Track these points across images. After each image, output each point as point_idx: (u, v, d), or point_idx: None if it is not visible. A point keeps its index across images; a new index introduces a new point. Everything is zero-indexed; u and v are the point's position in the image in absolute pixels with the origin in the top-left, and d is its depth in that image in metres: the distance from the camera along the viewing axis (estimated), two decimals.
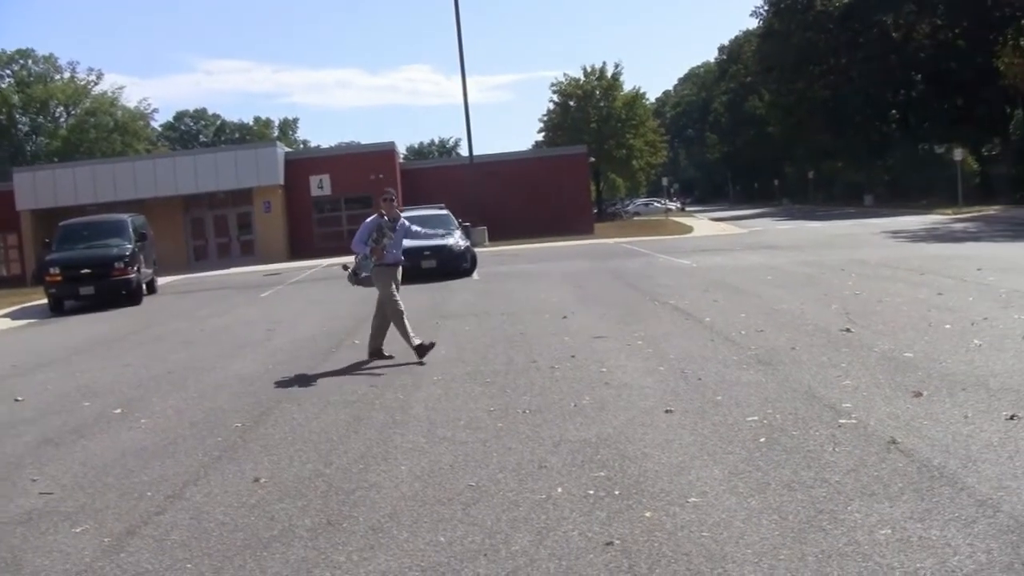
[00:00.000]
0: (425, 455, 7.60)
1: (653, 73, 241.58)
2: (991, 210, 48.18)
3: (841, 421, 7.71)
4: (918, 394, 8.47)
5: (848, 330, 12.20)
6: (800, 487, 6.15)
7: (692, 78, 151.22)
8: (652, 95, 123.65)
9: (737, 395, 8.94)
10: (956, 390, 8.55)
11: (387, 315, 12.79)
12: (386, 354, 12.73)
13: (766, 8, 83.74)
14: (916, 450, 6.77)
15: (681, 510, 5.88)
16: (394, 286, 12.82)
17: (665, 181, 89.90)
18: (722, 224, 56.31)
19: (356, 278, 13.06)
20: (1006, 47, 51.96)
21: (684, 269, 24.45)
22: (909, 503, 5.72)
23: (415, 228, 13.64)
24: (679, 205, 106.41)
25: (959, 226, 38.89)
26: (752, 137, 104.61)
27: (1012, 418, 7.43)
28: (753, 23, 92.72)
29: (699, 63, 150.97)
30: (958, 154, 52.63)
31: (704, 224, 58.70)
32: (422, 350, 12.32)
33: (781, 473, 6.47)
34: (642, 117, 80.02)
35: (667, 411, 8.47)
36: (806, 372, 9.79)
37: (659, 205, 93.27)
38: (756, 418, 7.98)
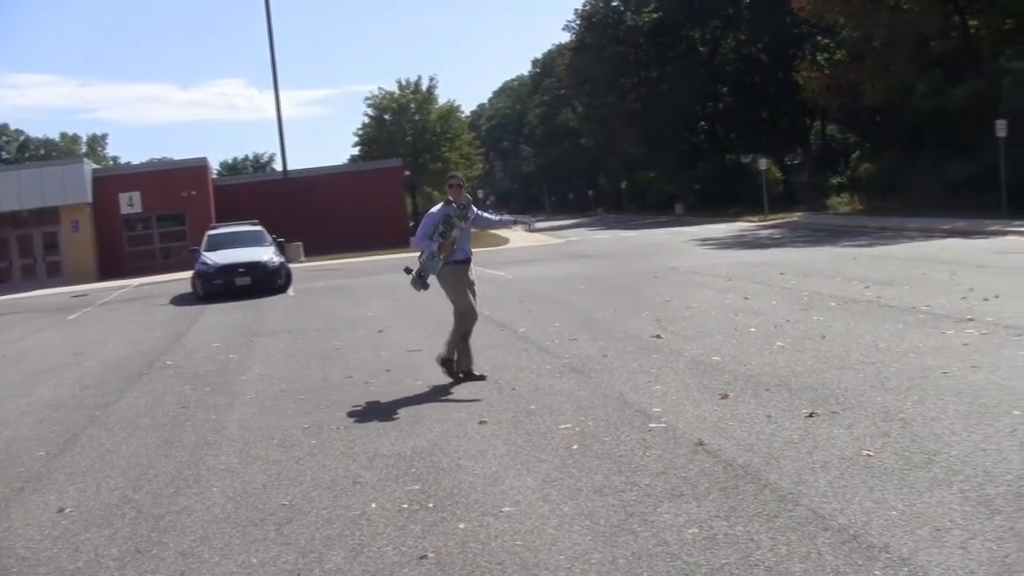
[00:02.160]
0: (238, 476, 7.47)
1: (468, 87, 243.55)
2: (794, 217, 49.95)
3: (651, 425, 7.89)
4: (724, 396, 8.75)
5: (659, 336, 12.49)
6: (611, 491, 6.27)
7: (507, 91, 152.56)
8: (467, 108, 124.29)
9: (550, 403, 9.06)
10: (760, 391, 8.86)
11: (459, 320, 10.83)
12: (477, 374, 10.83)
13: (578, 22, 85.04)
14: (722, 450, 6.99)
15: (495, 520, 5.93)
16: (467, 288, 10.83)
17: (481, 193, 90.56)
18: (538, 235, 56.93)
19: (422, 282, 10.84)
20: (804, 62, 54.08)
21: (500, 280, 24.63)
22: (715, 502, 5.91)
23: (486, 214, 11.61)
24: None
25: (765, 233, 40.23)
26: (566, 148, 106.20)
27: (811, 415, 7.74)
28: (566, 37, 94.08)
29: (513, 76, 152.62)
30: (763, 164, 54.58)
31: (520, 235, 59.22)
32: (470, 375, 10.79)
33: (593, 479, 6.58)
34: (457, 130, 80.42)
35: (481, 422, 8.52)
36: (618, 379, 9.98)
37: None
38: (569, 425, 8.10)
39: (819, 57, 54.60)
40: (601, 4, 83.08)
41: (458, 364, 10.78)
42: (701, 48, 75.34)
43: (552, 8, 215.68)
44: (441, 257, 10.55)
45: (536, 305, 17.57)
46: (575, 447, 7.41)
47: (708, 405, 8.47)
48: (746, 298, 16.04)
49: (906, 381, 8.81)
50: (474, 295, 10.91)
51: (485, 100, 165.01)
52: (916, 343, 10.71)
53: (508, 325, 15.00)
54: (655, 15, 76.39)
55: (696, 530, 5.46)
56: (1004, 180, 32.94)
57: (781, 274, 19.78)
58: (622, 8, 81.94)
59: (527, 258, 34.34)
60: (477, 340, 13.61)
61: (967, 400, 7.92)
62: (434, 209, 10.91)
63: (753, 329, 12.58)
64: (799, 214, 51.73)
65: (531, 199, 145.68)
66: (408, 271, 10.97)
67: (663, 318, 14.21)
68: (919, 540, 5.08)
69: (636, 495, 6.16)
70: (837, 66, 50.04)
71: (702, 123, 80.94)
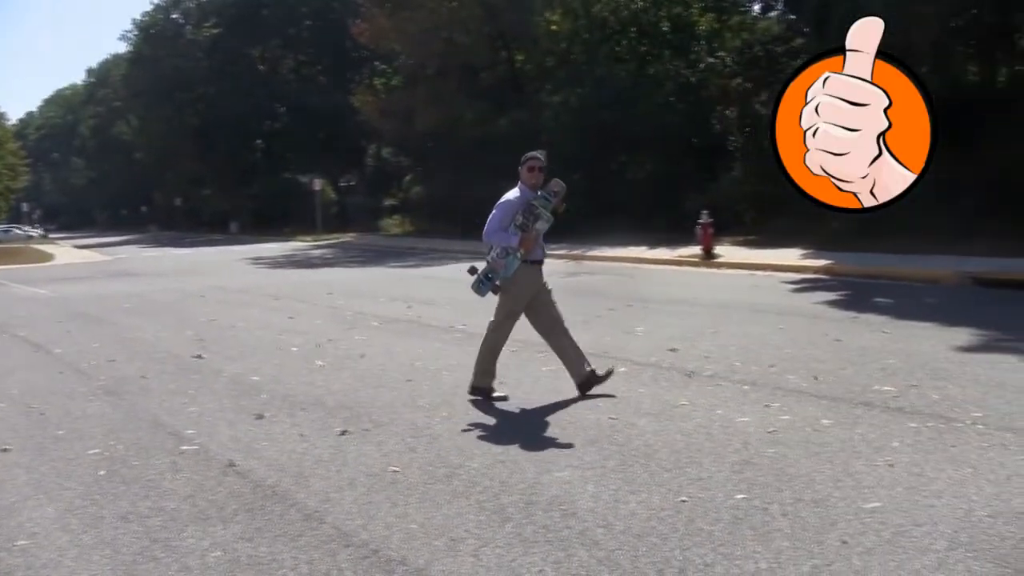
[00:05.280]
0: None
1: (16, 94, 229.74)
2: (347, 237, 50.87)
3: (183, 448, 7.78)
4: (260, 416, 8.76)
5: (200, 356, 12.32)
6: (136, 518, 6.13)
7: (58, 100, 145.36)
8: (14, 116, 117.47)
9: (81, 428, 8.71)
10: (296, 410, 8.96)
11: (493, 334, 9.25)
12: (600, 373, 9.02)
13: (135, 33, 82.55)
14: (253, 471, 7.01)
15: (8, 555, 5.65)
16: (539, 297, 9.10)
17: (26, 207, 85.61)
18: (86, 251, 54.47)
19: (490, 284, 8.99)
20: (362, 86, 55.20)
21: (40, 299, 23.35)
22: (242, 523, 5.92)
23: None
24: (42, 232, 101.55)
25: (317, 252, 40.66)
26: (120, 162, 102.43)
27: (343, 433, 7.93)
28: (123, 47, 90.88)
29: (66, 85, 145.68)
30: (317, 184, 55.26)
31: (68, 252, 56.39)
32: (478, 391, 9.13)
33: (118, 505, 6.41)
34: (1, 139, 75.91)
35: (3, 450, 8.06)
36: (154, 400, 9.75)
37: (20, 232, 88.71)
38: (98, 451, 7.83)
39: (376, 82, 55.88)
40: (160, 16, 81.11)
41: (573, 375, 9.06)
42: (260, 67, 75.10)
43: (109, 16, 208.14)
44: (519, 255, 8.80)
45: (76, 324, 16.79)
46: (102, 473, 7.18)
47: (243, 426, 8.46)
48: (291, 317, 16.13)
49: (437, 398, 9.21)
50: (554, 302, 9.22)
51: (35, 108, 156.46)
52: (451, 361, 11.19)
53: (43, 346, 14.25)
54: (215, 31, 75.42)
55: (220, 553, 5.45)
56: None
57: (329, 294, 20.06)
58: (182, 21, 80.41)
59: (72, 275, 32.69)
60: (5, 361, 12.93)
61: (491, 416, 8.39)
62: (509, 195, 9.10)
63: (295, 348, 12.68)
64: (352, 235, 52.72)
65: (82, 214, 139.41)
66: (473, 271, 9.18)
67: (206, 338, 14.02)
68: (435, 551, 5.34)
69: (161, 520, 6.06)
70: (392, 91, 51.35)
71: (259, 141, 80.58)
